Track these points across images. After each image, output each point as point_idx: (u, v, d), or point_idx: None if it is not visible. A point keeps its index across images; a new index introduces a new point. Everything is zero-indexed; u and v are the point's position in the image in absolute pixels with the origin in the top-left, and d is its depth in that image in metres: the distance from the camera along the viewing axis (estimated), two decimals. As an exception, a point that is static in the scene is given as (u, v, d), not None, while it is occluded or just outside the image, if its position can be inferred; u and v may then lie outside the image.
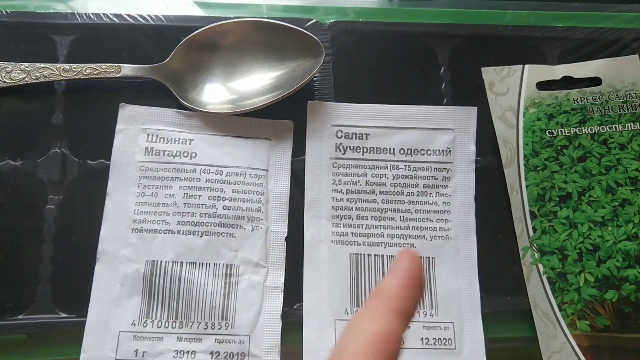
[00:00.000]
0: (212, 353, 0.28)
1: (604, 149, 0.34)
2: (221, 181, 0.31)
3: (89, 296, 0.29)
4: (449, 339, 0.30)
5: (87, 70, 0.31)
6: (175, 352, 0.28)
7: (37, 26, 0.33)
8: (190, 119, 0.32)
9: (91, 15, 0.33)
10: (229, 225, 0.30)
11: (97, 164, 0.31)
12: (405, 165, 0.32)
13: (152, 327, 0.28)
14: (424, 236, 0.32)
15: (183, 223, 0.30)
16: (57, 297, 0.29)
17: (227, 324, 0.29)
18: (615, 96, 0.35)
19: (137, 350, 0.28)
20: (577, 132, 0.34)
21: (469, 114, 0.33)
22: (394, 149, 0.32)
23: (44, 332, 0.29)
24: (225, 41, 0.32)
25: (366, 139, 0.33)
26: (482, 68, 0.35)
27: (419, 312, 0.30)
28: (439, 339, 0.30)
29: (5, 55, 0.32)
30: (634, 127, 0.34)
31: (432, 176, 0.32)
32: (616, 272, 0.31)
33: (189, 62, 0.32)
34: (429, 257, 0.31)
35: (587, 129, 0.34)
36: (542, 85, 0.35)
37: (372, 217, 0.32)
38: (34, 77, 0.31)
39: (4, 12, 0.33)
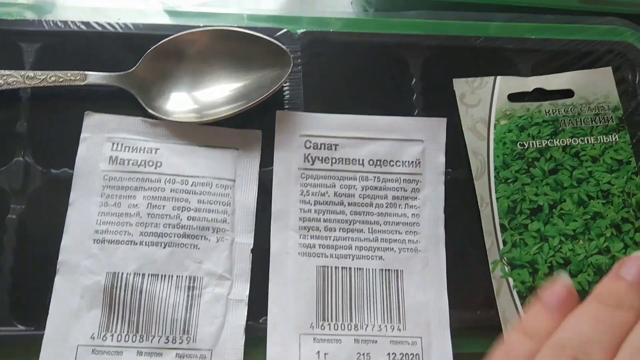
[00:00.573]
0: (173, 367, 0.28)
1: (575, 161, 0.33)
2: (186, 191, 0.30)
3: (48, 308, 0.28)
4: (417, 354, 0.29)
5: (52, 78, 0.31)
6: (135, 366, 0.27)
7: (3, 33, 0.33)
8: (156, 128, 0.31)
9: (59, 23, 0.33)
10: (193, 237, 0.30)
11: (61, 172, 0.31)
12: (375, 177, 0.32)
13: (112, 340, 0.28)
14: (393, 248, 0.31)
15: (146, 234, 0.29)
16: (16, 309, 0.29)
17: (188, 338, 0.28)
18: (587, 108, 0.35)
19: (95, 364, 0.27)
20: (549, 144, 0.34)
21: (439, 125, 0.33)
22: (363, 159, 0.32)
23: (1, 345, 0.28)
24: (192, 50, 0.32)
25: (335, 149, 0.32)
26: (453, 79, 0.35)
27: (386, 326, 0.30)
28: (406, 354, 0.29)
29: (-30, 62, 0.32)
30: (606, 139, 0.34)
31: (401, 188, 0.32)
32: (587, 286, 0.31)
33: (156, 70, 0.32)
34: (397, 270, 0.31)
35: (559, 141, 0.34)
36: (514, 97, 0.35)
37: (340, 228, 0.31)
38: (-3, 85, 0.31)
39: (-30, 19, 0.33)
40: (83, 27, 0.33)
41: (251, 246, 0.30)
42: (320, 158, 0.32)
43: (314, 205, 0.31)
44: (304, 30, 0.35)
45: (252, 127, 0.32)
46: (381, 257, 0.31)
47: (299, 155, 0.32)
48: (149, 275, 0.29)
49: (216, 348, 0.28)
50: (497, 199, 0.32)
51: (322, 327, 0.29)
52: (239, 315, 0.29)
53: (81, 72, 0.31)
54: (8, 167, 0.31)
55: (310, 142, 0.32)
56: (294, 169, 0.32)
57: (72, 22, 0.33)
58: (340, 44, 0.35)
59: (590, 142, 0.34)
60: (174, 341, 0.28)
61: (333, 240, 0.31)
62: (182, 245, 0.29)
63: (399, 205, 0.32)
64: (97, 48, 0.33)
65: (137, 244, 0.29)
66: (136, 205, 0.30)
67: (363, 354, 0.29)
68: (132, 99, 0.32)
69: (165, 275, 0.29)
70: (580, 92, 0.35)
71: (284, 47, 0.31)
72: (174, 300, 0.28)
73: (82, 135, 0.31)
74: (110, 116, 0.31)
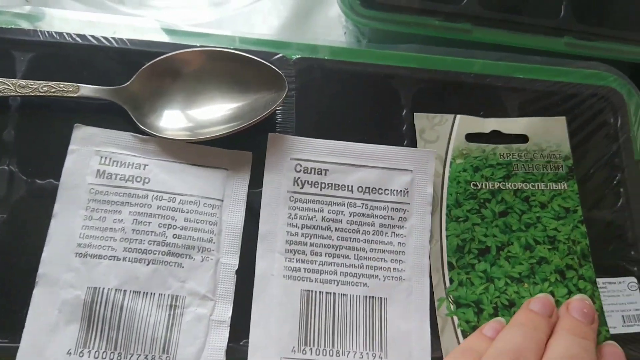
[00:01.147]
0: (149, 388, 0.27)
1: (525, 205, 0.34)
2: (173, 209, 0.30)
3: (24, 321, 0.27)
4: (397, 383, 0.29)
5: (44, 88, 0.31)
6: (111, 385, 0.27)
7: (-4, 41, 0.32)
8: (146, 144, 0.31)
9: (54, 34, 0.33)
10: (177, 255, 0.29)
11: (46, 183, 0.30)
12: (363, 204, 0.32)
13: (89, 357, 0.27)
14: (378, 276, 0.31)
15: (130, 250, 0.29)
16: (-10, 321, 0.28)
17: (168, 358, 0.27)
18: (540, 155, 0.35)
19: (69, 381, 0.27)
20: (501, 186, 0.34)
21: (428, 156, 0.33)
22: (352, 186, 0.32)
23: (-28, 358, 0.27)
24: (188, 69, 0.32)
25: (325, 174, 0.32)
26: (414, 113, 0.35)
27: (367, 353, 0.29)
28: (387, 382, 0.29)
29: (-40, 67, 0.31)
30: (555, 187, 0.35)
31: (388, 216, 0.32)
32: None
33: (150, 87, 0.32)
34: (381, 298, 0.31)
35: (511, 185, 0.34)
36: (471, 137, 0.35)
37: (326, 253, 0.31)
38: (-13, 91, 0.30)
39: (-36, 25, 0.32)
40: (78, 39, 0.33)
41: (236, 267, 0.30)
42: (309, 182, 0.32)
43: (302, 228, 0.31)
44: (300, 56, 0.35)
45: (242, 148, 0.32)
46: (366, 284, 0.31)
47: (288, 178, 0.32)
48: (130, 292, 0.28)
49: (195, 369, 0.28)
50: (447, 236, 0.33)
51: (304, 352, 0.29)
52: (221, 337, 0.28)
53: (74, 83, 0.31)
54: (-8, 175, 0.30)
55: (301, 166, 0.32)
56: (283, 192, 0.32)
57: (67, 33, 0.33)
58: (335, 71, 0.35)
59: (540, 188, 0.34)
60: (152, 360, 0.27)
61: (319, 264, 0.31)
62: (166, 263, 0.29)
63: (386, 233, 0.32)
64: (91, 61, 0.33)
65: (120, 259, 0.29)
66: (121, 220, 0.29)
67: (344, 382, 0.29)
68: (124, 114, 0.31)
69: (147, 293, 0.28)
70: (534, 139, 0.36)
71: (279, 71, 0.32)
72: (155, 318, 0.28)
73: (70, 147, 0.31)
74: (99, 130, 0.31)
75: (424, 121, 0.35)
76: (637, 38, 0.40)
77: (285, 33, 0.45)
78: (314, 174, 0.32)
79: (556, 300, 0.32)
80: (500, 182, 0.34)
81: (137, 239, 0.29)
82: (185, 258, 0.29)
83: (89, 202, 0.29)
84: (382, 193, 0.32)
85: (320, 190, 0.32)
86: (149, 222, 0.29)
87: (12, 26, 0.33)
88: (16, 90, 0.30)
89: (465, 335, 0.31)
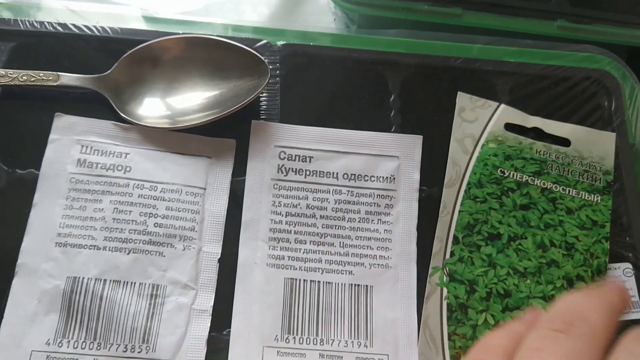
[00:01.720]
0: (130, 378, 0.27)
1: (550, 206, 0.33)
2: (155, 197, 0.30)
3: (3, 312, 0.27)
4: (383, 372, 0.29)
5: (24, 77, 0.30)
6: (91, 375, 0.26)
7: (-23, 31, 0.32)
8: (127, 132, 0.31)
9: (35, 23, 0.33)
10: (159, 244, 0.29)
11: (27, 173, 0.30)
12: (348, 191, 0.32)
13: (68, 347, 0.27)
14: (363, 264, 0.31)
15: (110, 239, 0.29)
16: (-31, 312, 0.28)
17: (147, 347, 0.27)
18: (579, 162, 0.34)
19: (49, 371, 0.26)
20: (529, 181, 0.33)
21: (415, 142, 0.33)
22: (337, 173, 0.32)
23: (-49, 349, 0.27)
24: (168, 56, 0.31)
25: (310, 161, 0.32)
26: (458, 92, 0.35)
27: (352, 342, 0.29)
28: (373, 371, 0.29)
29: (-59, 58, 0.31)
30: (588, 197, 0.33)
31: (374, 203, 0.32)
32: None
33: (131, 75, 0.31)
34: (366, 286, 0.30)
35: (540, 182, 0.33)
36: (511, 128, 0.35)
37: (310, 241, 0.31)
38: (-33, 81, 0.30)
39: (-56, 15, 0.32)
40: (59, 28, 0.33)
41: (218, 256, 0.30)
42: (294, 169, 0.32)
43: (285, 216, 0.31)
44: (284, 42, 0.35)
45: (226, 136, 0.32)
46: (351, 272, 0.30)
47: (272, 165, 0.32)
48: (110, 281, 0.28)
49: (176, 359, 0.27)
50: (459, 211, 0.32)
51: (287, 341, 0.28)
52: (202, 326, 0.28)
53: (54, 72, 0.31)
54: (-28, 166, 0.30)
55: (285, 153, 0.32)
56: (266, 179, 0.31)
57: (48, 22, 0.33)
58: (320, 57, 0.35)
59: (571, 194, 0.33)
60: (132, 350, 0.27)
61: (303, 252, 0.30)
62: (146, 252, 0.29)
63: (372, 220, 0.31)
64: (72, 50, 0.33)
65: (100, 248, 0.28)
66: (102, 209, 0.29)
67: (328, 371, 0.28)
68: (105, 102, 0.31)
69: (127, 282, 0.28)
70: (577, 145, 0.35)
71: (261, 56, 0.31)
72: (135, 308, 0.28)
73: (50, 137, 0.30)
74: (80, 118, 0.31)
75: (466, 101, 0.34)
76: (633, 21, 0.39)
77: (275, 21, 0.45)
78: (299, 161, 0.32)
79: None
80: (529, 176, 0.33)
81: (117, 228, 0.29)
82: (167, 247, 0.29)
83: (70, 192, 0.29)
84: (367, 180, 0.32)
85: (305, 177, 0.32)
86: (130, 211, 0.29)
87: (-7, 16, 0.33)
88: (-4, 80, 0.30)
89: (450, 309, 0.30)
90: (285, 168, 0.32)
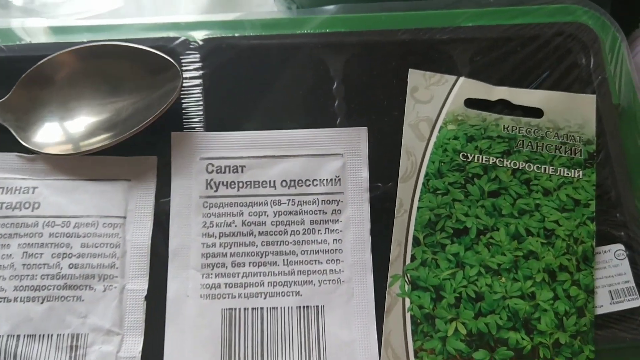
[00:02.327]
0: None
1: (524, 189, 0.29)
2: (68, 235, 0.26)
3: None
4: (342, 403, 0.25)
5: None
6: None
7: None
8: (33, 164, 0.27)
9: None
10: (75, 287, 0.26)
11: None
12: (289, 200, 0.28)
13: (-16, 415, 0.24)
14: (312, 281, 0.27)
15: (21, 288, 0.26)
16: None
17: (70, 407, 0.24)
18: (554, 134, 0.30)
19: None
20: (498, 163, 0.29)
21: (359, 135, 0.29)
22: (274, 181, 0.28)
23: None
24: (63, 73, 0.28)
25: (242, 171, 0.28)
26: (409, 70, 0.31)
27: (303, 374, 0.26)
28: (330, 404, 0.25)
29: None
30: (567, 173, 0.29)
31: (320, 210, 0.28)
32: (495, 330, 0.26)
33: (30, 98, 0.28)
34: (317, 306, 0.27)
35: (510, 163, 0.29)
36: (472, 104, 0.30)
37: (250, 263, 0.27)
38: None
39: None
40: (-49, 53, 0.29)
41: (145, 292, 0.26)
42: (224, 183, 0.28)
43: (219, 238, 0.27)
44: (205, 37, 0.31)
45: (146, 153, 0.28)
46: (298, 292, 0.27)
47: (199, 181, 0.28)
48: (24, 336, 0.25)
49: (103, 416, 0.24)
50: (418, 208, 0.28)
51: (226, 383, 0.25)
52: (131, 375, 0.25)
53: (-56, 106, 0.27)
54: None
55: (213, 165, 0.28)
56: (194, 198, 0.28)
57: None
58: (248, 49, 0.31)
59: (547, 172, 0.29)
60: (53, 412, 0.24)
61: (242, 277, 0.27)
62: (62, 298, 0.26)
63: (318, 230, 0.28)
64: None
65: (10, 300, 0.25)
66: (10, 255, 0.26)
67: (278, 409, 0.25)
68: (5, 131, 0.28)
69: (43, 335, 0.25)
70: (551, 115, 0.30)
71: (169, 58, 0.27)
72: (53, 363, 0.25)
73: (-51, 178, 0.27)
74: (-20, 153, 0.27)
75: (419, 79, 0.30)
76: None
77: (215, 9, 0.41)
78: (229, 172, 0.28)
79: (536, 304, 0.27)
80: (497, 158, 0.29)
81: (28, 275, 0.26)
82: (85, 290, 0.26)
83: (-26, 239, 0.26)
84: (309, 185, 0.28)
85: (238, 190, 0.28)
86: (41, 254, 0.26)
87: None
88: None
89: (415, 322, 0.27)
90: (214, 182, 0.28)
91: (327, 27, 0.32)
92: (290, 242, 0.27)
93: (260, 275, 0.27)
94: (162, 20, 0.31)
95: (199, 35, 0.31)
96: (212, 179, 0.28)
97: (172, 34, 0.31)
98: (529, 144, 0.30)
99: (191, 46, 0.30)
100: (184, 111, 0.29)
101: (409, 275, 0.27)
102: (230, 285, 0.27)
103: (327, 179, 0.28)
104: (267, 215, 0.28)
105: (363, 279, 0.27)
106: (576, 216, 0.29)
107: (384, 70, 0.31)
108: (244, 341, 0.26)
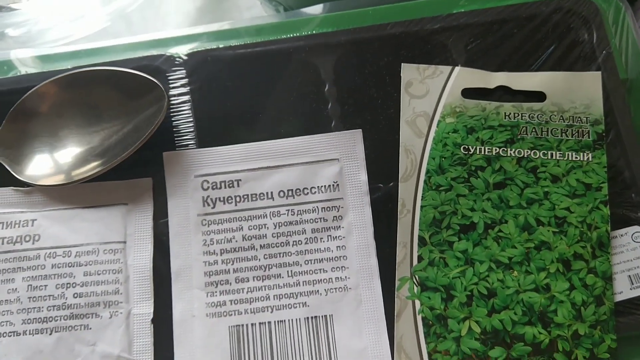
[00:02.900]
0: None
1: (530, 177, 0.28)
2: (70, 264, 0.26)
3: None
4: (357, 413, 0.25)
5: None
6: None
7: None
8: (30, 196, 0.27)
9: None
10: (82, 316, 0.26)
11: None
12: (288, 210, 0.27)
13: None
14: (318, 291, 0.27)
15: (29, 321, 0.26)
16: None
17: None
18: (559, 118, 0.29)
19: None
20: (501, 153, 0.28)
21: (354, 137, 0.28)
22: (271, 192, 0.28)
23: None
24: (50, 103, 0.28)
25: (238, 185, 0.28)
26: (402, 64, 0.30)
27: (315, 387, 0.25)
28: (344, 415, 0.25)
29: None
30: (576, 157, 0.28)
31: (320, 218, 0.27)
32: (510, 326, 0.26)
33: (20, 132, 0.28)
34: (325, 316, 0.26)
35: (514, 152, 0.28)
36: (470, 93, 0.29)
37: (254, 277, 0.27)
38: None
39: None
40: (-58, 92, 0.29)
41: (151, 316, 0.26)
42: (221, 199, 0.28)
43: (221, 254, 0.27)
44: (190, 51, 0.30)
45: (140, 175, 0.28)
46: (305, 303, 0.26)
47: (196, 199, 0.28)
48: (35, 369, 0.25)
49: None
50: (421, 207, 0.27)
51: (237, 402, 0.25)
52: (143, 401, 0.25)
53: (-62, 146, 0.28)
54: None
55: (208, 182, 0.28)
56: (192, 217, 0.28)
57: None
58: (234, 59, 0.30)
59: (554, 157, 0.28)
60: None
61: (247, 292, 0.27)
62: (70, 328, 0.26)
63: (320, 238, 0.27)
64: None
65: (20, 334, 0.26)
66: (15, 289, 0.26)
67: None
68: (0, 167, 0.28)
69: (54, 367, 0.25)
70: (554, 97, 0.29)
71: (152, 78, 0.27)
72: (65, 394, 0.25)
73: (-50, 217, 0.27)
74: (-23, 190, 0.28)
75: (412, 73, 0.29)
76: None
77: (204, 16, 0.40)
78: (225, 187, 0.28)
79: (551, 296, 0.26)
80: (500, 147, 0.28)
81: (35, 307, 0.26)
82: (91, 318, 0.26)
83: (-21, 276, 0.26)
84: (308, 193, 0.28)
85: (236, 205, 0.28)
86: (45, 286, 0.26)
87: None
88: None
89: (426, 324, 0.26)
90: (211, 199, 0.28)
91: (313, 28, 0.31)
92: (293, 253, 0.27)
93: (265, 289, 0.27)
94: (146, 38, 0.31)
95: (183, 50, 0.30)
96: (208, 196, 0.28)
97: (156, 52, 0.30)
98: (533, 130, 0.29)
99: (176, 62, 0.30)
100: (174, 129, 0.29)
101: (417, 276, 0.27)
102: (236, 302, 0.26)
103: (325, 186, 0.28)
104: (267, 228, 0.27)
105: (370, 284, 0.27)
106: (588, 201, 0.27)
107: (376, 67, 0.30)
108: (253, 357, 0.26)
